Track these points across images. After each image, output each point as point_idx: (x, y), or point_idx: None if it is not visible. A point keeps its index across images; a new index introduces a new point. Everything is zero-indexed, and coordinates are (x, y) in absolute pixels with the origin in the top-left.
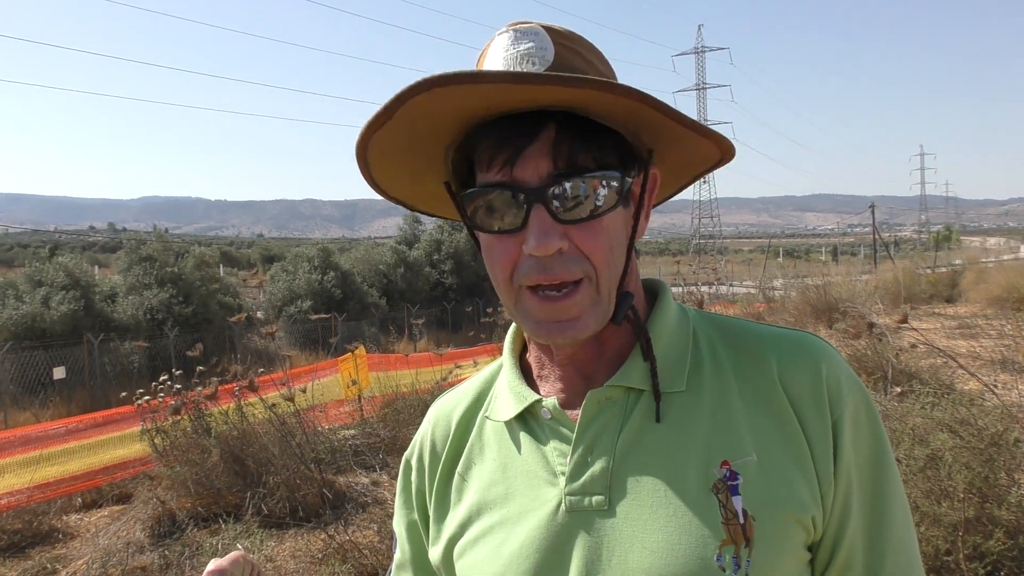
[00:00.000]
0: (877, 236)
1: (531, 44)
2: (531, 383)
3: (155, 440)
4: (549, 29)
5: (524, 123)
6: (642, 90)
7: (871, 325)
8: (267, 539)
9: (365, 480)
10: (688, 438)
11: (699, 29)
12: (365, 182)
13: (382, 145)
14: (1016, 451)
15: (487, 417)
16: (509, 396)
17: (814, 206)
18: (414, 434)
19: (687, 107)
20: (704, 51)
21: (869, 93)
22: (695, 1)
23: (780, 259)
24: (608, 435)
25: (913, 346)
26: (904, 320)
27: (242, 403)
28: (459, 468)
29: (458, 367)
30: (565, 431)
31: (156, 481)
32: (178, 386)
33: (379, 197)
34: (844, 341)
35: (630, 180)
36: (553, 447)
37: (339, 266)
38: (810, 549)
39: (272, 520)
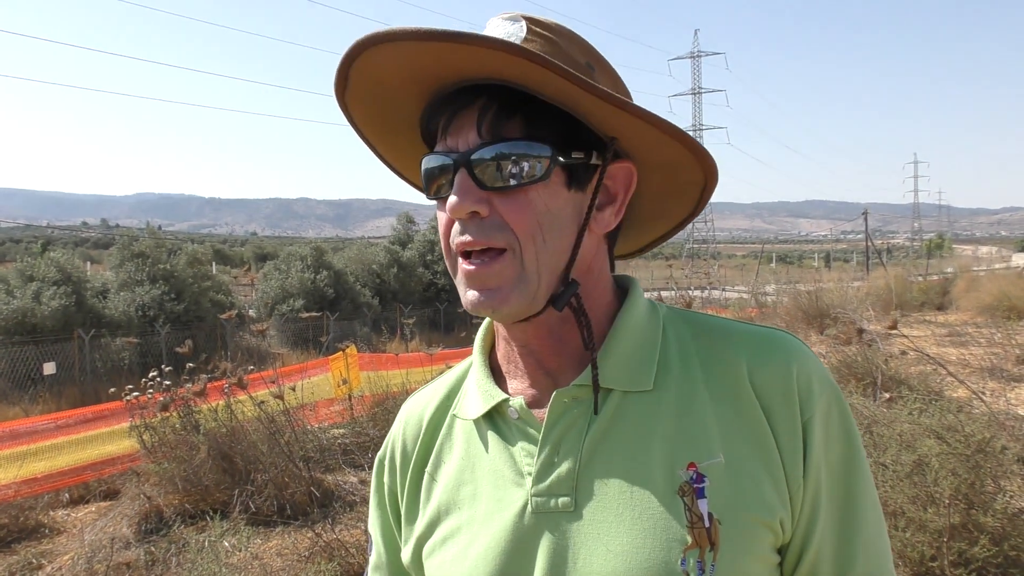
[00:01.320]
0: (870, 243)
1: (506, 28)
2: (500, 381)
3: (143, 436)
4: (530, 18)
5: (462, 95)
6: (553, 60)
7: (861, 331)
8: (254, 536)
9: (354, 479)
10: (655, 439)
11: (695, 34)
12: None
13: (370, 119)
14: (1002, 458)
15: (456, 416)
16: (477, 394)
17: (808, 212)
18: None
19: (683, 111)
20: (700, 56)
21: (864, 100)
22: (692, 6)
23: (773, 264)
24: (574, 435)
25: (903, 352)
26: (894, 326)
27: (231, 400)
28: (428, 467)
29: (448, 367)
30: (532, 431)
31: (144, 477)
32: (167, 383)
33: (373, 196)
34: (834, 347)
35: (575, 160)
36: (520, 447)
37: (332, 265)
38: (779, 552)
39: (259, 518)
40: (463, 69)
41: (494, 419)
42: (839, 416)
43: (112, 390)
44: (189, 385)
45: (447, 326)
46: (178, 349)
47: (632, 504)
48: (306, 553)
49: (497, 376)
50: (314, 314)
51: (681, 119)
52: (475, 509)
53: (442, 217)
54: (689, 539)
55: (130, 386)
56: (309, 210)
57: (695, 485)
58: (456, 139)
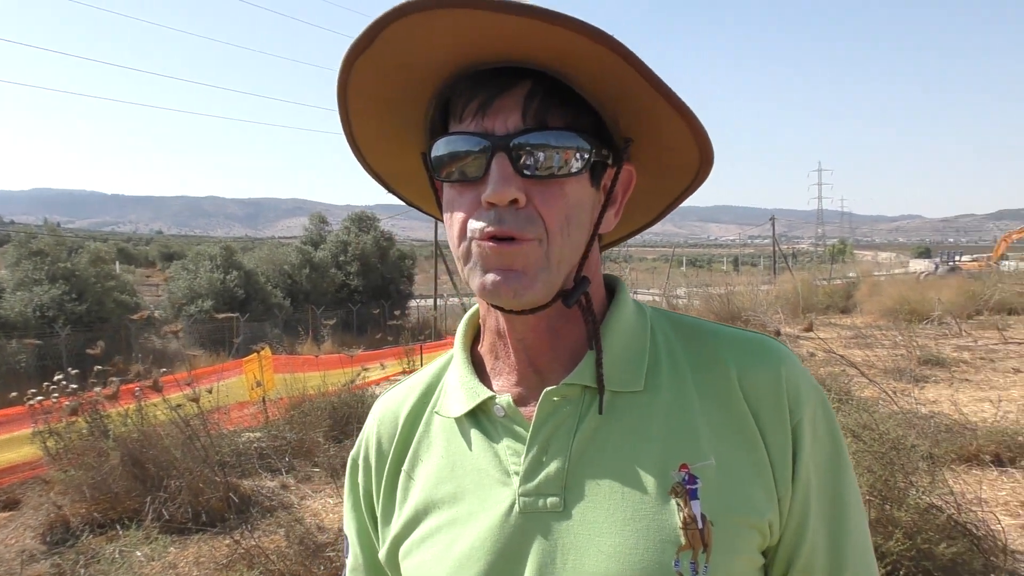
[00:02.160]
0: (777, 248)
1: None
2: (483, 378)
3: (47, 443)
4: None
5: (501, 76)
6: (613, 36)
7: (777, 333)
8: (169, 545)
9: (271, 484)
10: (646, 439)
11: None
12: (350, 148)
13: (363, 93)
14: (913, 455)
15: (436, 413)
16: (460, 391)
17: (717, 217)
18: (321, 437)
19: None
20: None
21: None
22: (597, 5)
23: (683, 268)
24: (563, 434)
25: (812, 355)
26: (809, 328)
27: (143, 404)
28: (405, 466)
29: (365, 370)
30: (519, 430)
31: (49, 486)
32: (74, 386)
33: (284, 196)
34: None
35: (602, 159)
36: (506, 446)
37: (242, 265)
38: (764, 554)
39: (174, 526)
40: (504, 49)
41: (477, 417)
42: (825, 419)
43: (13, 394)
44: (98, 389)
45: (360, 328)
46: (89, 350)
47: (624, 505)
48: (225, 561)
49: (480, 372)
50: (230, 315)
51: None
52: (457, 508)
53: (460, 201)
54: (683, 540)
55: (33, 390)
56: (219, 209)
57: (688, 486)
58: (495, 121)
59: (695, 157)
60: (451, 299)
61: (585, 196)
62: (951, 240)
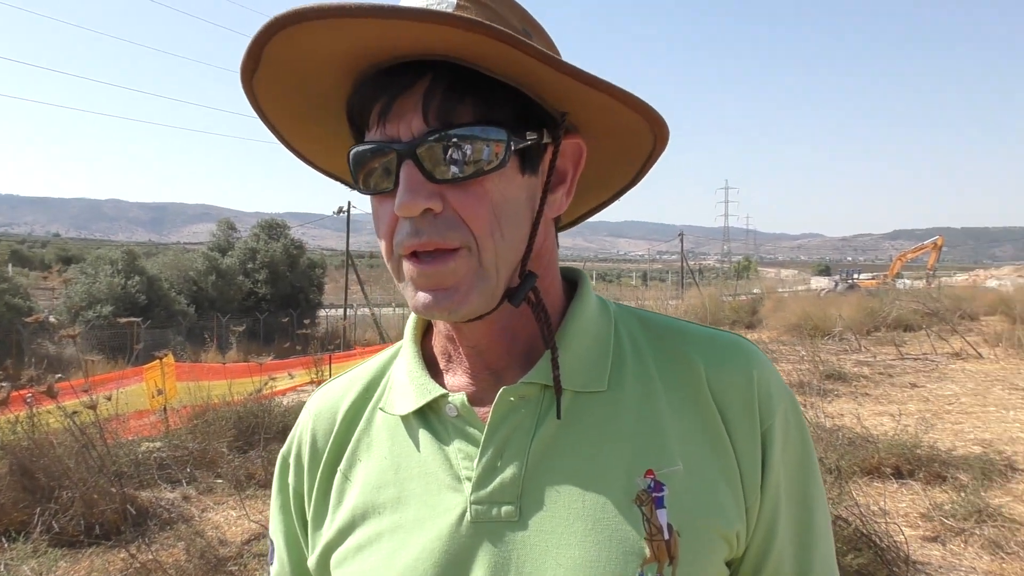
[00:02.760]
0: (685, 263)
1: None
2: (435, 375)
3: None
4: None
5: (401, 74)
6: (507, 31)
7: None
8: (59, 559)
9: (172, 495)
10: (609, 443)
11: None
12: (292, 154)
13: (279, 107)
14: (820, 468)
15: (381, 409)
16: (409, 388)
17: (627, 232)
18: (225, 447)
19: None
20: None
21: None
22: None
23: (594, 282)
24: (520, 437)
25: None
26: None
27: (35, 411)
28: (342, 466)
29: (272, 379)
30: (472, 431)
31: None
32: None
33: (191, 200)
34: None
35: (529, 142)
36: (457, 448)
37: (145, 271)
38: (728, 564)
39: (65, 539)
40: (398, 46)
41: (426, 416)
42: (796, 422)
43: None
44: None
45: (267, 337)
46: None
47: (584, 514)
48: (119, 575)
49: (432, 369)
50: (133, 319)
51: None
52: (401, 514)
53: (382, 214)
54: (647, 552)
55: None
56: (121, 212)
57: (654, 494)
58: (397, 127)
59: (637, 119)
60: (361, 309)
61: (514, 188)
62: (850, 258)
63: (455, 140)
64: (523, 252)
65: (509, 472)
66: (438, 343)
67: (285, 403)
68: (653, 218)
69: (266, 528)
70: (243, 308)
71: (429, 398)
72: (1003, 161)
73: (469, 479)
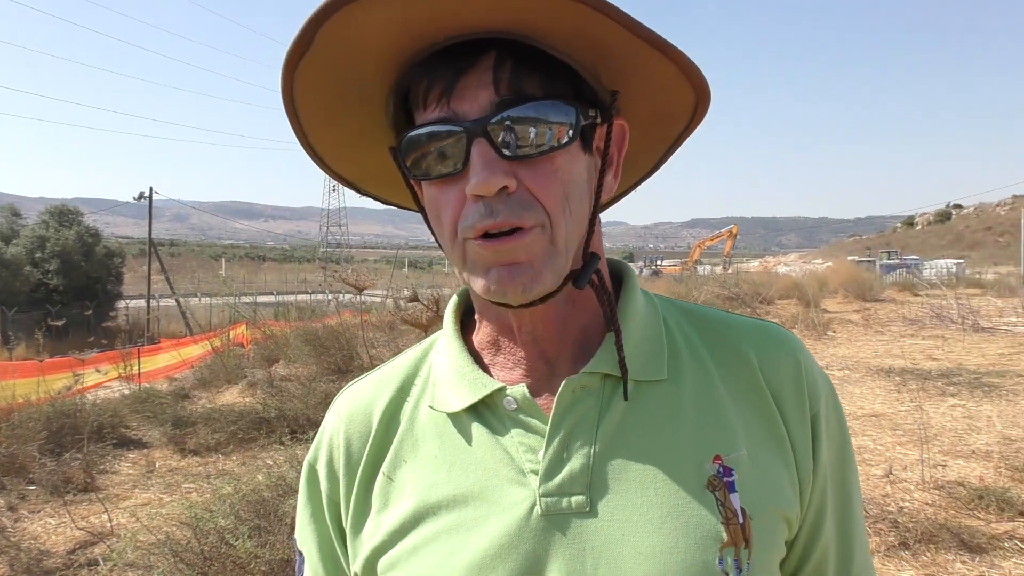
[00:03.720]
0: None
1: None
2: (483, 369)
3: None
4: None
5: (461, 51)
6: None
7: None
8: None
9: None
10: (676, 431)
11: None
12: (308, 155)
13: (313, 99)
14: None
15: (430, 407)
16: (458, 383)
17: None
18: (36, 451)
19: None
20: None
21: None
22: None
23: (406, 270)
24: (585, 428)
25: None
26: None
27: None
28: (384, 468)
29: (76, 375)
30: (535, 423)
31: None
32: None
33: None
34: None
35: (590, 120)
36: (518, 442)
37: None
38: (786, 545)
39: None
40: (464, 18)
41: (478, 411)
42: (835, 407)
43: None
44: None
45: (61, 330)
46: None
47: (658, 501)
48: None
49: (477, 363)
50: None
51: None
52: (459, 513)
53: (443, 200)
54: (725, 536)
55: None
56: None
57: (725, 479)
58: (463, 103)
59: (689, 94)
60: (164, 300)
61: (580, 166)
62: (651, 246)
63: (527, 115)
64: (586, 232)
65: (577, 462)
66: (486, 335)
67: (97, 401)
68: None
69: (93, 534)
70: (32, 300)
71: (485, 392)
72: (788, 154)
73: (535, 472)
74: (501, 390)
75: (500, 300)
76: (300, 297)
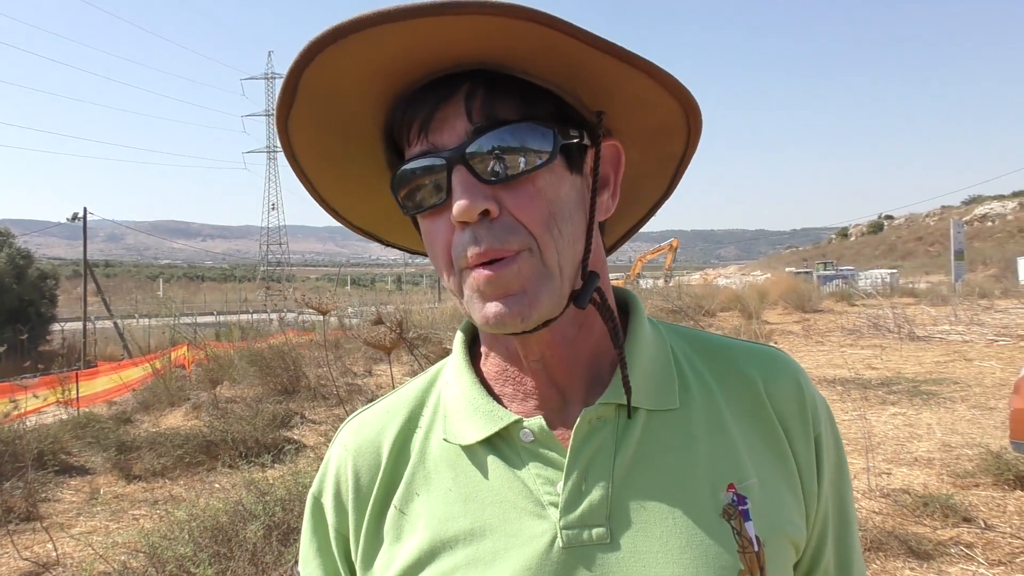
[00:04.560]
0: None
1: None
2: (495, 400)
3: None
4: None
5: (438, 86)
6: (543, 11)
7: (447, 352)
8: None
9: None
10: (690, 460)
11: (269, 55)
12: (325, 211)
13: (310, 148)
14: None
15: (445, 440)
16: (472, 414)
17: None
18: None
19: (257, 132)
20: (274, 77)
21: None
22: (266, 27)
23: (348, 287)
24: (603, 458)
25: None
26: None
27: None
28: (396, 501)
29: (13, 401)
30: (552, 455)
31: None
32: None
33: None
34: (424, 366)
35: (573, 139)
36: (535, 474)
37: None
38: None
39: None
40: (434, 52)
41: (494, 443)
42: (833, 428)
43: None
44: None
45: None
46: None
47: (676, 531)
48: None
49: (490, 393)
50: None
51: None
52: (477, 546)
53: (435, 231)
54: (742, 565)
55: None
56: None
57: (739, 507)
58: (441, 135)
59: (674, 106)
60: (100, 322)
61: (565, 186)
62: None
63: (502, 139)
64: (583, 252)
65: (596, 494)
66: (495, 365)
67: (33, 426)
68: None
69: (39, 564)
70: None
71: (501, 425)
72: (726, 167)
73: (554, 504)
74: (518, 422)
75: (501, 331)
76: (242, 317)
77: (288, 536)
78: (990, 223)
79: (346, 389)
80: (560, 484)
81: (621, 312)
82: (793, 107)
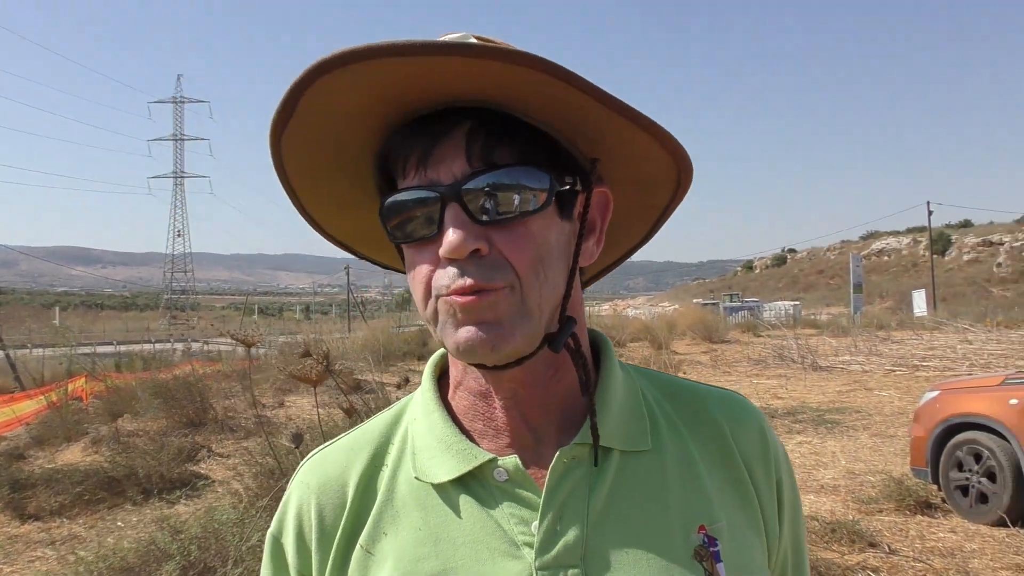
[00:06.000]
0: (351, 296)
1: (452, 36)
2: (467, 437)
3: None
4: (478, 36)
5: (437, 121)
6: (549, 60)
7: (358, 383)
8: None
9: None
10: (662, 501)
11: (179, 79)
12: (305, 220)
13: (300, 164)
14: None
15: (417, 479)
16: (443, 452)
17: (288, 265)
18: None
19: (163, 157)
20: (183, 101)
21: None
22: (175, 50)
23: (255, 316)
24: (577, 499)
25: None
26: (406, 380)
27: None
28: (362, 541)
29: None
30: (527, 495)
31: None
32: None
33: None
34: (336, 397)
35: (567, 187)
36: (510, 513)
37: None
38: None
39: None
40: (437, 89)
41: (465, 482)
42: (790, 473)
43: None
44: None
45: None
46: None
47: (650, 572)
48: None
49: (461, 430)
50: None
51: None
52: None
53: (419, 261)
54: None
55: None
56: None
57: (711, 549)
58: (438, 170)
59: (668, 162)
60: None
61: (555, 231)
62: None
63: (500, 181)
64: (562, 297)
65: (571, 534)
66: (464, 400)
67: None
68: (316, 251)
69: None
70: None
71: (475, 464)
72: None
73: (529, 544)
74: (492, 460)
75: (471, 360)
76: (144, 347)
77: None
78: (886, 257)
79: (255, 421)
80: (535, 524)
81: (593, 353)
82: (701, 142)
